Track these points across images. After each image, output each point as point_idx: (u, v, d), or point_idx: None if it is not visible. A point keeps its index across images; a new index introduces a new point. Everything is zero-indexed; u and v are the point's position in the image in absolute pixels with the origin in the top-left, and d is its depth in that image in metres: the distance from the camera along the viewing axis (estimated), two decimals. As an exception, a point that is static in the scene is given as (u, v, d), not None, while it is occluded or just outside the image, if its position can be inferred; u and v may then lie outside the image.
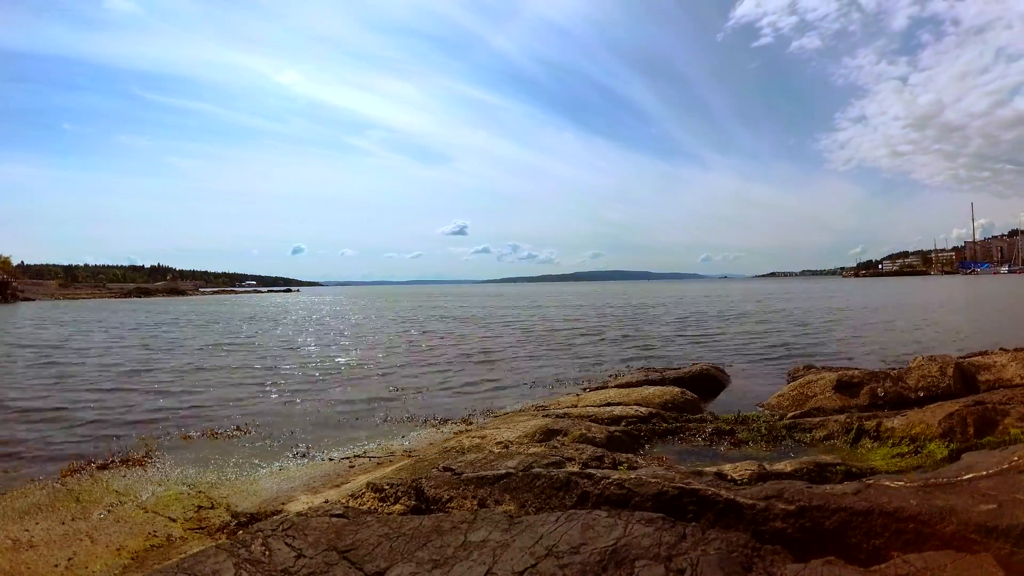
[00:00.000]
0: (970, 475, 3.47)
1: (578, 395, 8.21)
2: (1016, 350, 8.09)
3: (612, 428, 5.97)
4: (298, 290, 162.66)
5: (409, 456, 5.37)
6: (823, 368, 9.45)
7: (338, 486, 4.62)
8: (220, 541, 3.54)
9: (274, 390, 9.73)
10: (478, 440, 5.61)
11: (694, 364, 9.95)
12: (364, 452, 5.78)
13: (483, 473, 4.06)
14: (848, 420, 5.82)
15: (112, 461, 5.50)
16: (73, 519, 4.06)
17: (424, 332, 21.35)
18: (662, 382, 8.47)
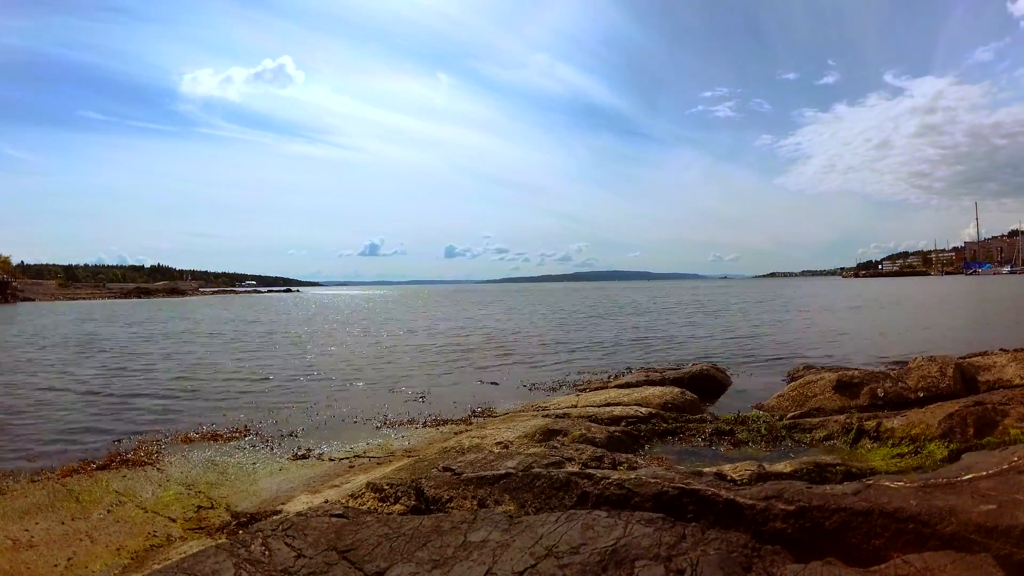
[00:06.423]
0: (970, 475, 3.46)
1: (578, 395, 8.21)
2: (1016, 350, 8.08)
3: (612, 428, 5.97)
4: (298, 290, 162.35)
5: (409, 456, 5.37)
6: (823, 368, 9.45)
7: (338, 486, 4.62)
8: (220, 541, 3.54)
9: (274, 391, 9.73)
10: (478, 440, 5.60)
11: (694, 364, 9.94)
12: (364, 452, 5.78)
13: (483, 473, 4.06)
14: (848, 420, 5.81)
15: (112, 461, 5.49)
16: (73, 519, 4.06)
17: (423, 332, 21.35)
18: (662, 382, 8.46)
